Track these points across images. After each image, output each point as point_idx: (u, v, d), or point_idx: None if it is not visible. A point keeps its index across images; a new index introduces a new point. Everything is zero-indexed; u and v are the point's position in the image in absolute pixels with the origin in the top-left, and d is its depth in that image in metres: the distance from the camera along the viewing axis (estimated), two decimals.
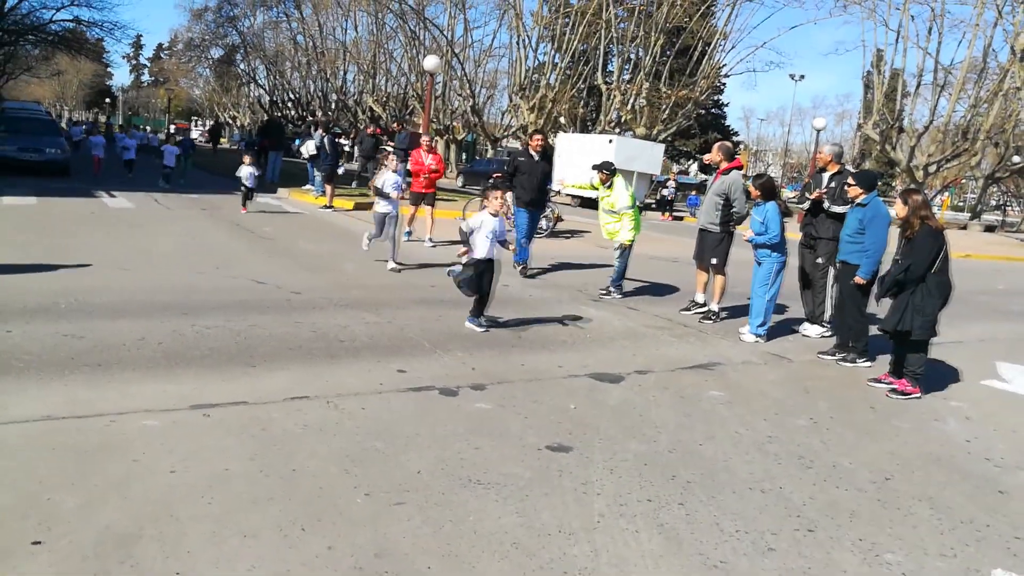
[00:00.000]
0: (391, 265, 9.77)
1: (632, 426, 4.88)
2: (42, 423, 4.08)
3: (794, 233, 8.09)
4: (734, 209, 8.25)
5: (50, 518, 3.14)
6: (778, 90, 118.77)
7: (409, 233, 12.60)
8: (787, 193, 39.47)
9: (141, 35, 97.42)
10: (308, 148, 19.27)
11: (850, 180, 7.04)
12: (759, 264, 7.68)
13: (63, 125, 48.17)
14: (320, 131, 18.66)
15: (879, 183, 8.22)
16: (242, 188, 15.36)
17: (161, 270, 8.56)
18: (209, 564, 2.93)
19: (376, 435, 4.34)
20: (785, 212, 7.71)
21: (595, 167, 9.35)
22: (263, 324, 6.51)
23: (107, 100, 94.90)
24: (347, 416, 4.59)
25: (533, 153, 10.75)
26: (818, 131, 28.09)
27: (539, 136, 10.95)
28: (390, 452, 4.12)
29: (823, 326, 8.07)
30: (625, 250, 9.30)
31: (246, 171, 15.20)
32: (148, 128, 61.23)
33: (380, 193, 9.83)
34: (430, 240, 12.41)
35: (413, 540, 3.24)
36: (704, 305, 8.61)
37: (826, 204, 7.73)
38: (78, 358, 5.19)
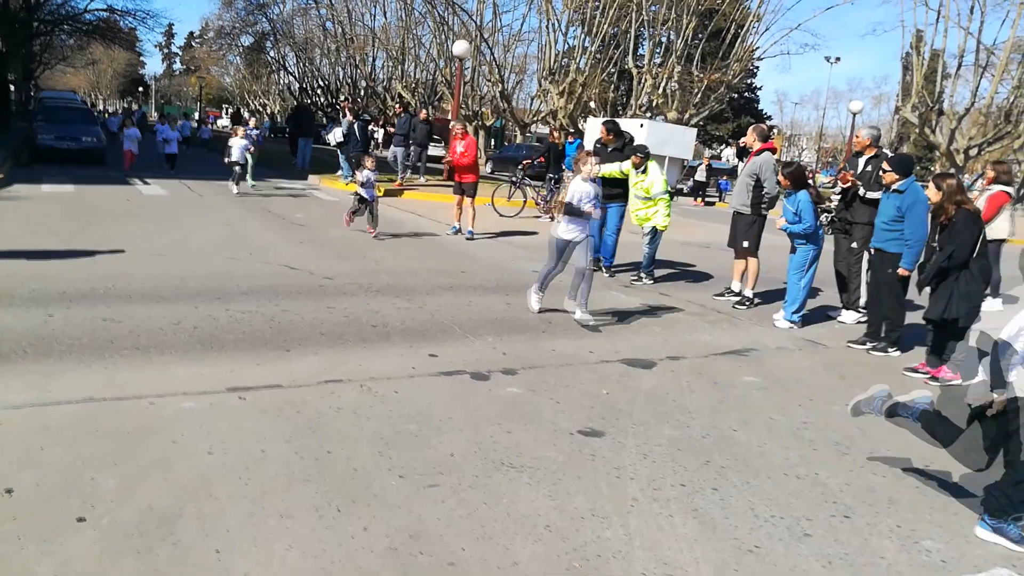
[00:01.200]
0: (579, 315, 6.94)
1: (665, 411, 4.86)
2: (84, 405, 4.17)
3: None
4: (764, 190, 8.14)
5: (93, 497, 3.21)
6: (813, 73, 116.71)
7: (456, 230, 12.20)
8: (822, 178, 38.83)
9: (173, 24, 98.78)
10: (335, 135, 19.29)
11: (885, 165, 6.86)
12: (794, 252, 7.57)
13: (105, 114, 48.94)
14: (348, 117, 18.62)
15: (916, 167, 8.01)
16: (235, 168, 15.21)
17: (195, 256, 8.67)
18: (247, 543, 2.98)
19: (409, 418, 4.36)
20: (818, 199, 7.59)
21: (629, 151, 9.31)
22: (296, 309, 6.57)
23: (140, 89, 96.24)
24: (380, 399, 4.62)
25: (607, 144, 9.91)
26: (854, 114, 27.59)
27: (604, 128, 9.95)
28: (423, 435, 4.15)
29: (859, 312, 7.95)
30: (656, 235, 9.22)
31: (238, 145, 15.10)
32: (195, 117, 58.88)
33: (572, 211, 6.90)
34: (470, 232, 11.95)
35: (447, 522, 3.26)
36: (740, 293, 8.52)
37: (861, 191, 7.58)
38: (117, 342, 5.29)
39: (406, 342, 5.91)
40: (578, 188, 6.89)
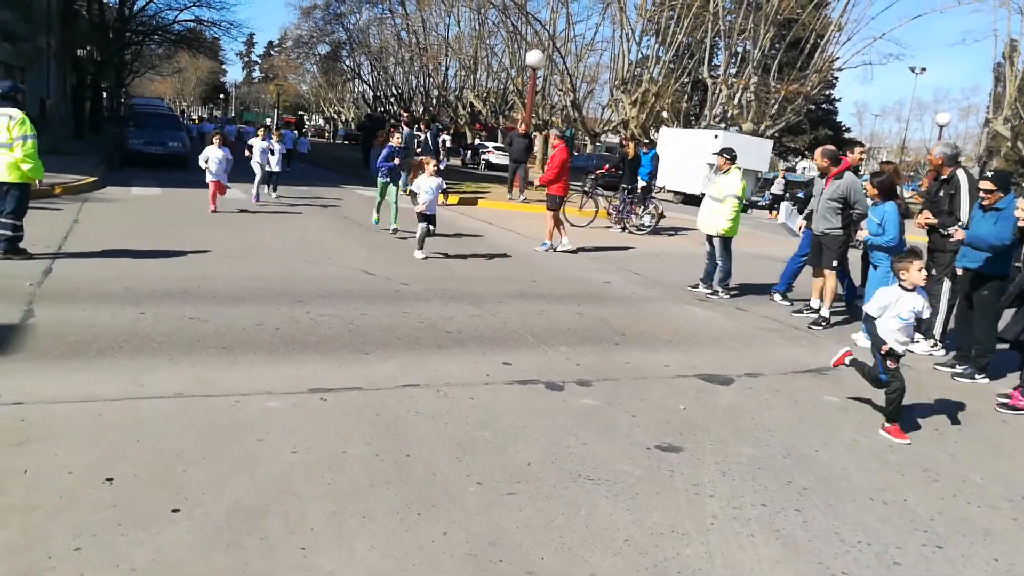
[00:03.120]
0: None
1: (744, 429, 4.76)
2: (174, 400, 4.33)
3: (917, 236, 7.69)
4: (857, 212, 7.87)
5: (185, 489, 3.32)
6: (895, 83, 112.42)
7: (547, 246, 11.70)
8: (904, 193, 37.44)
9: (254, 33, 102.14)
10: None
11: (985, 184, 6.48)
12: (875, 267, 7.32)
13: (192, 120, 50.63)
14: (406, 129, 18.64)
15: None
16: (208, 179, 12.70)
17: (274, 259, 8.92)
18: (331, 542, 3.03)
19: (485, 425, 4.39)
20: (905, 213, 7.32)
21: (717, 152, 9.22)
22: (373, 313, 6.69)
23: (221, 96, 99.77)
24: (456, 405, 4.66)
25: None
26: (941, 127, 26.59)
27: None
28: (499, 443, 4.16)
29: (932, 342, 7.43)
30: (726, 247, 9.07)
31: (214, 156, 12.67)
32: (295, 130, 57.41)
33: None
34: (545, 244, 11.67)
35: (526, 531, 3.26)
36: (818, 310, 8.28)
37: (940, 229, 7.14)
38: (204, 340, 5.48)
39: (480, 349, 5.95)
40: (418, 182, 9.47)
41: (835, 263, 8.00)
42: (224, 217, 12.09)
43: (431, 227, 9.88)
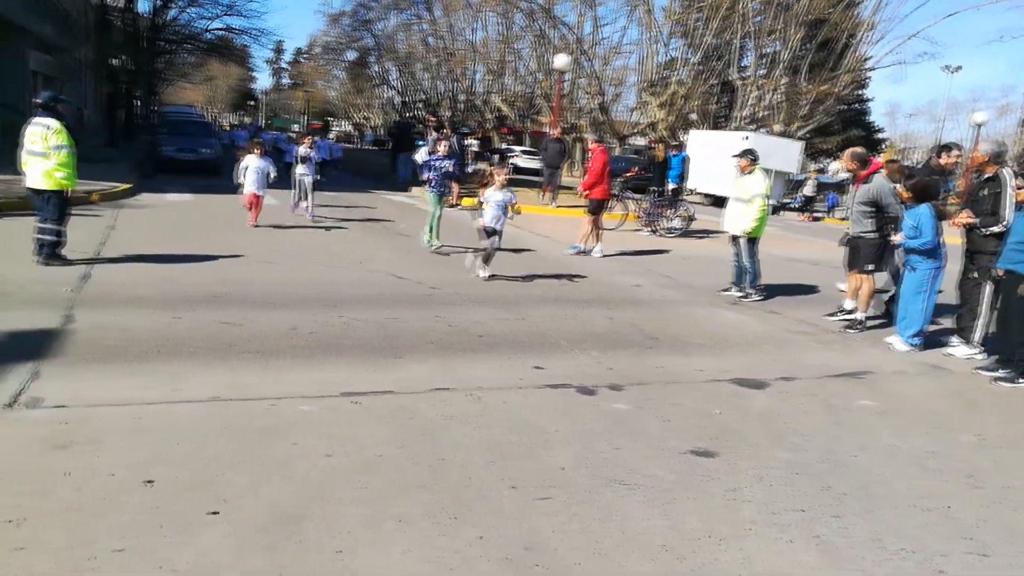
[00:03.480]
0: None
1: (779, 434, 4.70)
2: (210, 404, 4.38)
3: (953, 238, 7.54)
4: (889, 214, 7.74)
5: (224, 492, 3.36)
6: (929, 82, 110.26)
7: (578, 248, 11.70)
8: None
9: (282, 40, 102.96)
10: (421, 154, 19.33)
11: (1020, 182, 6.36)
12: (912, 270, 7.20)
13: (223, 127, 51.25)
14: (433, 135, 18.68)
15: None
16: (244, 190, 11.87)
17: (306, 264, 9.00)
18: (367, 545, 3.05)
19: (518, 429, 4.38)
20: (941, 215, 7.19)
21: (737, 154, 9.16)
22: (404, 317, 6.72)
23: (250, 102, 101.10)
24: (489, 409, 4.66)
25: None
26: (978, 126, 26.10)
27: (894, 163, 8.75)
28: (532, 447, 4.15)
29: (973, 347, 7.20)
30: (752, 247, 8.98)
31: (253, 165, 11.78)
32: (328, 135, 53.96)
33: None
34: (576, 248, 11.65)
35: (561, 536, 3.25)
36: (853, 312, 8.16)
37: (979, 229, 6.98)
38: (238, 345, 5.54)
39: (511, 353, 5.95)
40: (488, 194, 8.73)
41: (870, 266, 7.88)
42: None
43: (497, 242, 9.03)
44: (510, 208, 8.97)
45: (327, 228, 12.29)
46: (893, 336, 7.32)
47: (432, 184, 10.65)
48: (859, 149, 8.40)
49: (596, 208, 11.58)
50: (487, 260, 9.03)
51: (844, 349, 7.10)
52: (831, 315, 8.37)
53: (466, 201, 17.11)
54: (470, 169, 19.82)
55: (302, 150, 13.88)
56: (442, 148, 10.92)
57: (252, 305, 6.74)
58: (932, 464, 4.47)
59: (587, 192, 11.58)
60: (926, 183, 7.27)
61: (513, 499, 3.53)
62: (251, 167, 11.81)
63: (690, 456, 4.23)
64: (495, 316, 7.06)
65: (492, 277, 8.92)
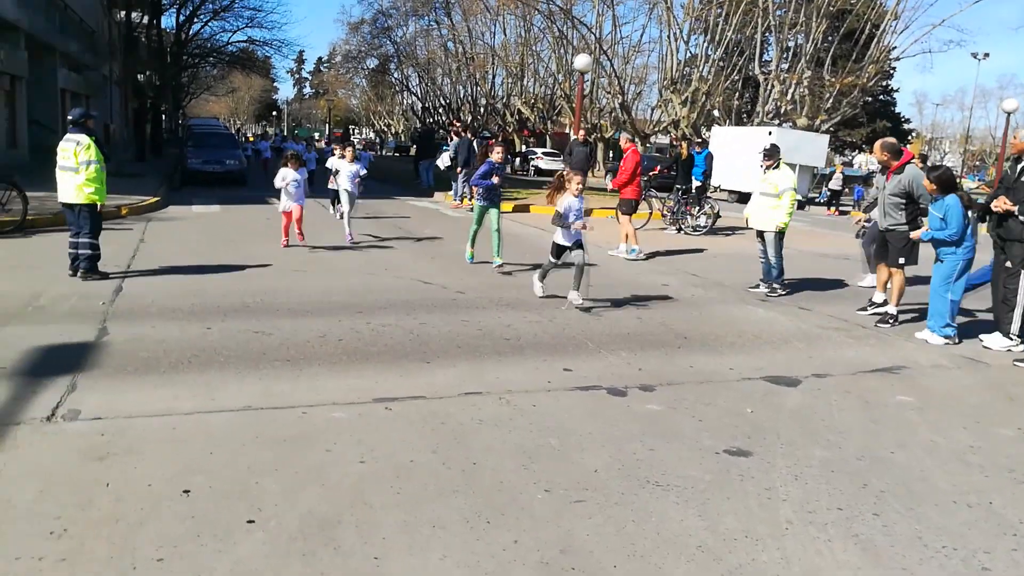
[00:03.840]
0: (575, 300, 7.58)
1: (814, 431, 4.64)
2: (244, 413, 4.42)
3: (980, 228, 7.40)
4: (922, 206, 7.61)
5: (259, 500, 3.38)
6: (957, 71, 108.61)
7: (635, 251, 11.35)
8: (968, 183, 36.25)
9: (303, 50, 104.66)
10: (443, 160, 19.35)
11: None
12: (940, 261, 7.08)
13: (247, 137, 51.83)
14: (455, 139, 18.61)
15: None
16: (283, 207, 10.81)
17: (334, 271, 9.07)
18: (403, 551, 3.05)
19: (549, 432, 4.37)
20: (968, 205, 7.06)
21: (761, 152, 9.09)
22: (432, 322, 6.74)
23: (274, 113, 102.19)
24: (519, 412, 4.65)
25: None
26: (1008, 113, 25.58)
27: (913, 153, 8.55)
28: (565, 450, 4.14)
29: (1011, 339, 6.99)
30: (779, 242, 8.89)
31: (292, 177, 10.65)
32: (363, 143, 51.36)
33: (559, 222, 7.61)
34: (623, 248, 11.41)
35: (597, 538, 3.23)
36: (884, 304, 8.03)
37: (1019, 215, 6.73)
38: (269, 353, 5.59)
39: (540, 356, 5.94)
40: (567, 202, 7.58)
41: (902, 260, 7.75)
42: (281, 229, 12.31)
43: (585, 256, 7.78)
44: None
45: (353, 240, 12.36)
46: (925, 330, 7.20)
47: (482, 193, 9.63)
48: (891, 139, 8.25)
49: (630, 208, 11.52)
50: (577, 285, 7.68)
51: (878, 344, 6.99)
52: (863, 309, 8.26)
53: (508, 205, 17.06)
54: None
55: (342, 164, 12.20)
56: (497, 154, 9.55)
57: (281, 314, 6.80)
58: (974, 459, 4.38)
59: (619, 190, 11.50)
60: (950, 174, 7.14)
61: (547, 502, 3.52)
62: (290, 179, 10.57)
63: (724, 456, 4.19)
64: (522, 319, 7.06)
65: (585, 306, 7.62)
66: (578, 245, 7.65)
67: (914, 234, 7.36)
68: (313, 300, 7.40)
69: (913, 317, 8.01)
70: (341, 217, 11.98)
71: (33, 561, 2.85)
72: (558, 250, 7.73)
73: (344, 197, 11.74)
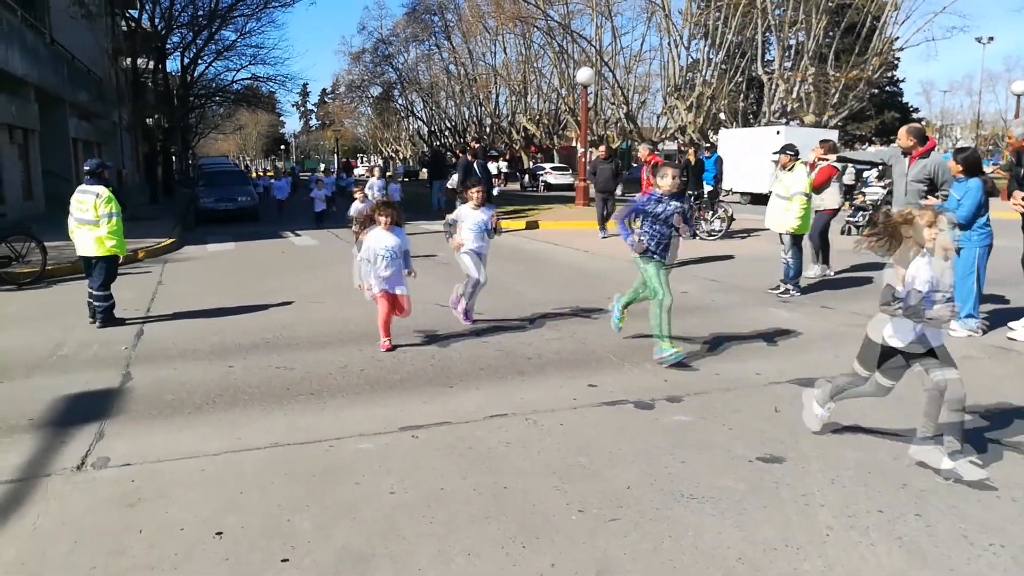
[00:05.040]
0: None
1: (847, 433, 4.56)
2: (271, 450, 4.41)
3: (1004, 212, 7.30)
4: (943, 192, 7.51)
5: (292, 538, 3.36)
6: (962, 56, 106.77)
7: None
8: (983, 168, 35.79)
9: (307, 83, 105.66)
10: (452, 181, 19.36)
11: None
12: (958, 252, 6.95)
13: (258, 173, 52.13)
14: (464, 159, 18.49)
15: None
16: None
17: (352, 301, 9.03)
18: None
19: (579, 451, 4.32)
20: (991, 190, 6.96)
21: (777, 151, 9.04)
22: (452, 346, 6.73)
23: (281, 147, 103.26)
24: (547, 432, 4.61)
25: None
26: (1018, 96, 25.36)
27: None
28: (596, 467, 4.09)
29: None
30: (795, 244, 8.82)
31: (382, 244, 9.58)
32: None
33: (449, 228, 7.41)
34: None
35: (634, 556, 3.18)
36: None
37: None
38: (292, 388, 5.59)
39: (563, 373, 5.90)
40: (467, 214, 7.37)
41: None
42: (297, 262, 12.40)
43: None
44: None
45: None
46: (953, 323, 7.07)
47: (652, 246, 6.18)
48: (916, 125, 8.16)
49: None
50: None
51: None
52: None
53: (508, 224, 16.93)
54: (495, 192, 19.27)
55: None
56: (668, 182, 6.06)
57: (302, 347, 6.81)
58: (1014, 451, 4.28)
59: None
60: (978, 156, 7.04)
61: (581, 522, 3.47)
62: (380, 245, 6.69)
63: (758, 463, 4.12)
64: (542, 336, 7.03)
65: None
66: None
67: (926, 202, 7.20)
68: (332, 331, 7.41)
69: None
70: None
71: None
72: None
73: (469, 263, 7.77)
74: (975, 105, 65.02)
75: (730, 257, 12.49)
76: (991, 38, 46.38)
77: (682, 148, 22.72)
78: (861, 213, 13.93)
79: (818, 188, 9.65)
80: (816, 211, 9.75)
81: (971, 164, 6.85)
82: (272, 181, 28.16)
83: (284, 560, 3.18)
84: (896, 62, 44.42)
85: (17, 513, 3.66)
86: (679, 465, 4.10)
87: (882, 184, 14.19)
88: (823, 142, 10.36)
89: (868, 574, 3.05)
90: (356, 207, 12.26)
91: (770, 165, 9.30)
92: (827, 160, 9.86)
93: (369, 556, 3.21)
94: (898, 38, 32.42)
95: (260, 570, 3.11)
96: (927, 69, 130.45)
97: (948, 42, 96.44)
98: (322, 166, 69.65)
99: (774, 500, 3.69)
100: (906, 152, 7.82)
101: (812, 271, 10.25)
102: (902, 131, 7.94)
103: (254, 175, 56.74)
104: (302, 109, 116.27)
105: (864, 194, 14.43)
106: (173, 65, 43.01)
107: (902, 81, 53.44)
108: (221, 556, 3.22)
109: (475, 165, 17.54)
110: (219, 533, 3.41)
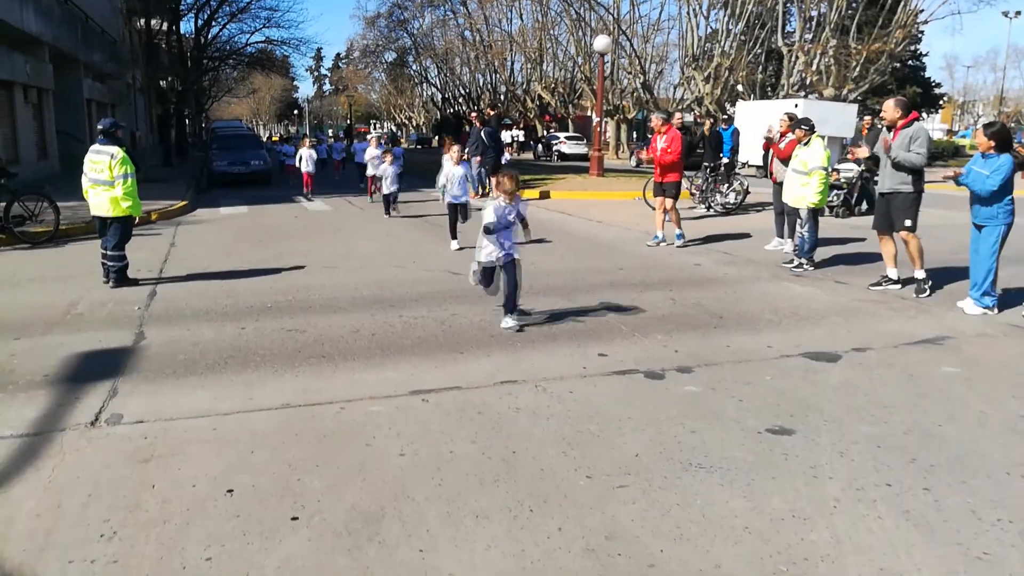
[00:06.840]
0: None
1: (858, 406, 4.55)
2: (283, 411, 4.45)
3: (1020, 190, 7.18)
4: (894, 157, 7.34)
5: (302, 497, 3.40)
6: (987, 31, 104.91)
7: (659, 239, 10.69)
8: None
9: (321, 47, 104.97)
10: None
11: None
12: (979, 229, 6.87)
13: (274, 140, 52.14)
14: (476, 126, 18.11)
15: None
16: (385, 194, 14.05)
17: (363, 266, 9.09)
18: (448, 543, 3.05)
19: (588, 418, 4.33)
20: (1020, 165, 6.84)
21: (796, 125, 8.94)
22: (463, 313, 6.73)
23: (295, 111, 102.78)
24: (556, 399, 4.62)
25: None
26: None
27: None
28: (605, 435, 4.10)
29: None
30: (812, 218, 8.73)
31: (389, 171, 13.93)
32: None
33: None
34: (679, 236, 10.61)
35: (641, 523, 3.19)
36: (899, 280, 7.82)
37: None
38: (304, 350, 5.61)
39: (573, 342, 5.89)
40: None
41: (909, 222, 7.49)
42: (310, 227, 12.41)
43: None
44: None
45: (382, 230, 12.41)
46: (965, 300, 7.02)
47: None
48: (903, 98, 8.03)
49: (679, 191, 10.59)
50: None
51: (919, 315, 6.84)
52: (876, 285, 7.95)
53: (527, 193, 16.49)
54: (504, 160, 18.64)
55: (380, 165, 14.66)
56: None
57: (314, 310, 6.83)
58: None
59: (660, 173, 10.50)
60: (1008, 130, 6.89)
61: (589, 488, 3.49)
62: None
63: (767, 435, 4.12)
64: (554, 305, 7.01)
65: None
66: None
67: (951, 172, 7.06)
68: (344, 295, 7.43)
69: (945, 280, 7.83)
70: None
71: (86, 564, 2.89)
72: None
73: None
74: (999, 81, 63.83)
75: (745, 230, 12.39)
76: (1018, 12, 45.47)
77: (699, 119, 22.50)
78: (836, 192, 13.73)
79: (785, 160, 9.90)
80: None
81: (1003, 138, 6.68)
82: (332, 143, 28.90)
83: (294, 518, 3.21)
84: (920, 35, 43.55)
85: (33, 466, 3.71)
86: (688, 435, 4.11)
87: (856, 161, 13.99)
88: (788, 115, 10.76)
89: (875, 546, 3.06)
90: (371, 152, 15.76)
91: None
92: (794, 135, 9.45)
93: (379, 516, 3.24)
94: (923, 10, 31.78)
95: (271, 528, 3.14)
96: (951, 43, 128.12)
97: (974, 16, 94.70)
98: (331, 132, 69.58)
99: (783, 471, 3.69)
100: (891, 126, 7.64)
101: (772, 245, 10.55)
102: (888, 103, 7.73)
103: (275, 139, 56.46)
104: (316, 74, 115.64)
105: (839, 171, 14.22)
106: (187, 27, 42.85)
107: (925, 55, 52.59)
108: (232, 513, 3.25)
109: (482, 133, 16.98)
110: (230, 491, 3.45)
